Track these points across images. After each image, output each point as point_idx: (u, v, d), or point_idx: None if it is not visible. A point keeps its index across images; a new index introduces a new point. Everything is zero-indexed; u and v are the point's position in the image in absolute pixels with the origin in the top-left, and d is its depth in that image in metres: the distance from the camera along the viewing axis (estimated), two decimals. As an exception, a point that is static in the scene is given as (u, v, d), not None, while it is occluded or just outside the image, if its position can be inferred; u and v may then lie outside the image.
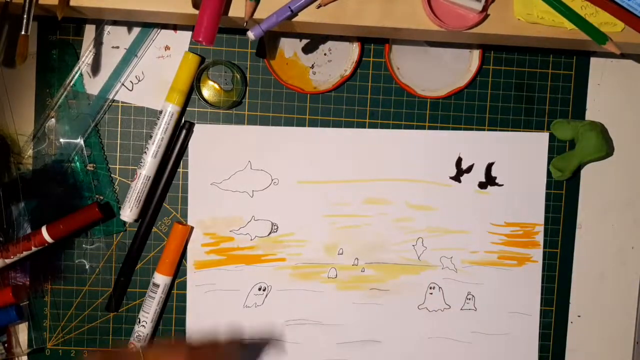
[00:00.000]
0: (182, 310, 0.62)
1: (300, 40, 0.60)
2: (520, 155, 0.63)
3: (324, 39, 0.60)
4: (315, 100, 0.61)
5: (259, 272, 0.62)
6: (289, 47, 0.60)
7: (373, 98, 0.61)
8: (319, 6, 0.51)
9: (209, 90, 0.60)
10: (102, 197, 0.60)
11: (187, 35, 0.60)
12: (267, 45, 0.59)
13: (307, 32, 0.56)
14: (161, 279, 0.59)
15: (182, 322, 0.62)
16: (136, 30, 0.59)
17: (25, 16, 0.49)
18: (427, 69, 0.61)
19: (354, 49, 0.60)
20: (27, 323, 0.61)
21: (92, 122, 0.59)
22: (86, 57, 0.59)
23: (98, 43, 0.59)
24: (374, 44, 0.61)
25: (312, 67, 0.60)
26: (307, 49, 0.60)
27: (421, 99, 0.62)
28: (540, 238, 0.64)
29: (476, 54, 0.61)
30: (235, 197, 0.61)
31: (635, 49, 0.56)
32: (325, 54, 0.60)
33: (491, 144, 0.63)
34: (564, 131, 0.62)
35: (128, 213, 0.58)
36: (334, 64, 0.61)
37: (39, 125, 0.59)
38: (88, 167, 0.60)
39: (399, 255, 0.63)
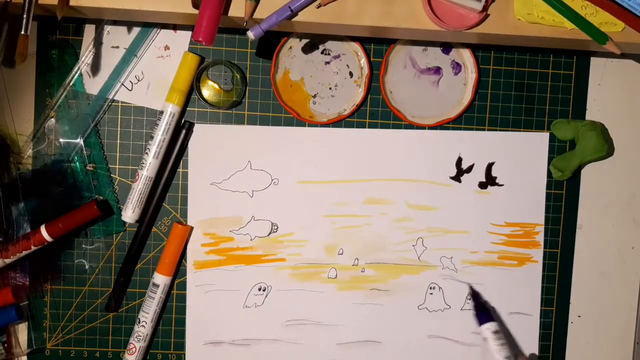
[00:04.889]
0: (182, 310, 0.62)
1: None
2: (521, 155, 0.63)
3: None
4: (315, 100, 0.61)
5: (259, 272, 0.62)
6: (297, 72, 0.60)
7: (373, 98, 0.61)
8: (319, 6, 0.51)
9: (209, 90, 0.60)
10: (101, 197, 0.60)
11: (187, 35, 0.60)
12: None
13: (307, 32, 0.56)
14: (161, 279, 0.59)
15: (182, 322, 0.62)
16: (136, 30, 0.59)
17: (25, 16, 0.49)
18: (419, 97, 0.61)
19: (359, 92, 0.60)
20: (26, 323, 0.61)
21: (92, 122, 0.59)
22: (86, 57, 0.59)
23: (98, 43, 0.59)
24: (374, 43, 0.61)
25: (315, 96, 0.60)
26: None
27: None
28: (540, 238, 0.64)
29: (470, 87, 0.61)
30: (235, 197, 0.61)
31: (636, 48, 0.56)
32: (330, 89, 0.60)
33: (491, 144, 0.63)
34: (564, 131, 0.62)
35: (130, 214, 0.58)
36: (336, 100, 0.61)
37: (38, 125, 0.59)
38: (88, 167, 0.60)
39: (399, 255, 0.63)
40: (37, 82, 0.59)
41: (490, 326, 0.60)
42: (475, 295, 0.62)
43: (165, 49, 0.60)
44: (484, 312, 0.61)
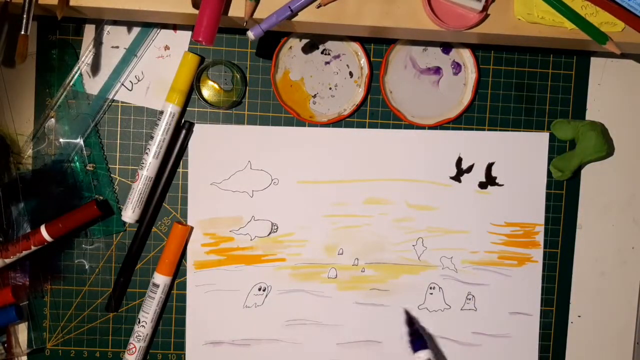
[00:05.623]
0: (182, 310, 0.62)
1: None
2: (521, 155, 0.63)
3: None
4: (315, 100, 0.61)
5: (259, 272, 0.62)
6: (297, 72, 0.60)
7: (373, 98, 0.61)
8: (319, 6, 0.51)
9: (209, 90, 0.60)
10: (101, 197, 0.60)
11: (186, 35, 0.60)
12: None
13: (307, 32, 0.56)
14: (161, 279, 0.59)
15: (182, 322, 0.62)
16: (136, 30, 0.59)
17: (25, 16, 0.49)
18: (419, 96, 0.61)
19: (359, 92, 0.60)
20: (26, 323, 0.61)
21: (92, 122, 0.59)
22: (86, 57, 0.59)
23: (98, 43, 0.59)
24: (374, 43, 0.61)
25: (314, 96, 0.60)
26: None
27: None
28: (540, 238, 0.64)
29: (470, 87, 0.61)
30: (235, 197, 0.61)
31: (636, 48, 0.56)
32: (330, 89, 0.60)
33: (491, 144, 0.63)
34: (564, 131, 0.62)
35: (130, 214, 0.58)
36: (336, 100, 0.61)
37: (38, 125, 0.59)
38: (88, 167, 0.60)
39: (399, 255, 0.63)
40: (37, 82, 0.59)
41: (422, 355, 0.58)
42: (410, 322, 0.61)
43: (165, 49, 0.60)
44: (419, 339, 0.59)
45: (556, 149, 0.63)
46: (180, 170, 0.61)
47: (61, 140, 0.59)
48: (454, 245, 0.63)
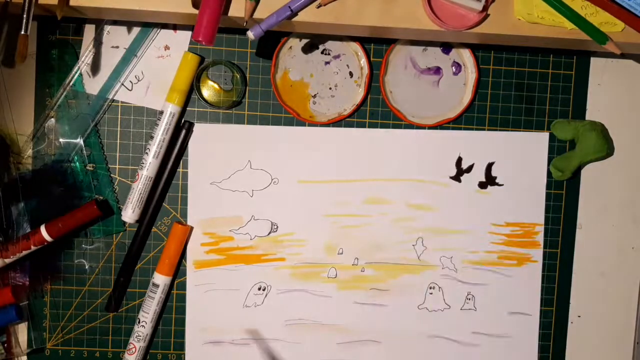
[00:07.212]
0: (182, 310, 0.62)
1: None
2: (521, 155, 0.63)
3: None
4: (315, 100, 0.61)
5: (259, 271, 0.62)
6: (297, 72, 0.60)
7: (373, 98, 0.61)
8: (319, 6, 0.51)
9: (209, 90, 0.60)
10: (101, 197, 0.60)
11: (186, 35, 0.60)
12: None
13: (307, 32, 0.56)
14: (161, 279, 0.59)
15: (182, 322, 0.62)
16: (136, 30, 0.59)
17: (25, 16, 0.49)
18: (419, 96, 0.61)
19: (359, 92, 0.60)
20: (26, 323, 0.61)
21: (92, 122, 0.59)
22: (86, 56, 0.59)
23: (98, 43, 0.59)
24: (374, 43, 0.61)
25: (314, 96, 0.60)
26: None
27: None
28: (540, 238, 0.64)
29: (470, 87, 0.61)
30: (235, 196, 0.61)
31: (636, 48, 0.56)
32: (330, 89, 0.60)
33: (491, 144, 0.63)
34: (564, 131, 0.62)
35: (130, 214, 0.58)
36: (336, 100, 0.61)
37: (38, 125, 0.59)
38: (88, 167, 0.60)
39: (399, 255, 0.63)
40: (37, 82, 0.59)
41: None
42: None
43: (165, 49, 0.60)
44: None
45: (556, 149, 0.63)
46: (180, 170, 0.61)
47: (61, 140, 0.59)
48: (453, 245, 0.63)
